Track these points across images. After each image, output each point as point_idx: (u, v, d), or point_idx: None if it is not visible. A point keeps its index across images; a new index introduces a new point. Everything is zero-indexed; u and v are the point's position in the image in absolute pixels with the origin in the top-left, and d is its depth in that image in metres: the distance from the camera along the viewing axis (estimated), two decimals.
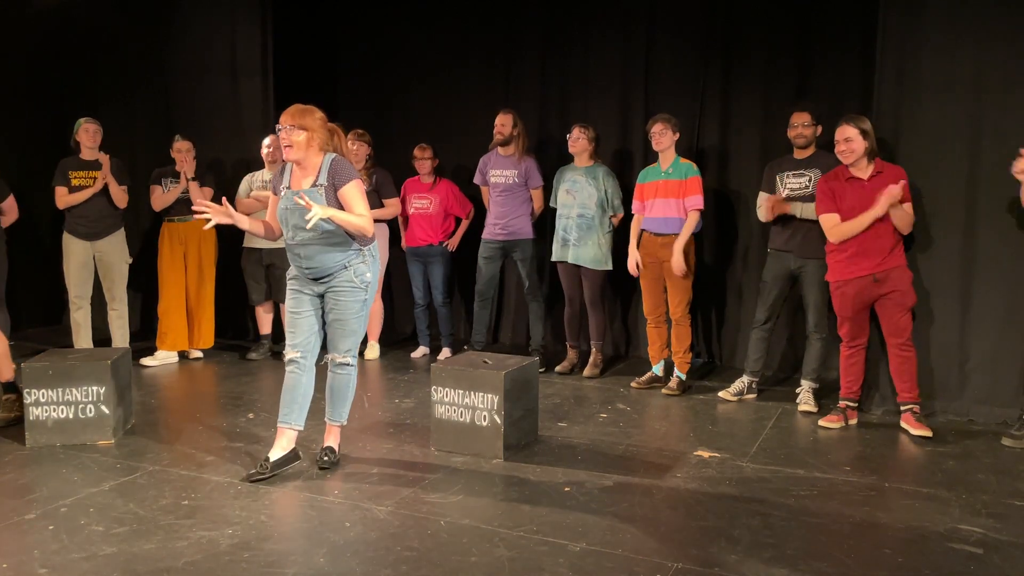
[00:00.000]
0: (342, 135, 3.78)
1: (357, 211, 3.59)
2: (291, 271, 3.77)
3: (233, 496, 3.48)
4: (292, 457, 3.79)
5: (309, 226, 3.45)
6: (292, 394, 3.74)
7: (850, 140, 4.34)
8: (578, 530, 3.15)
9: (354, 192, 3.61)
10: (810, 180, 4.79)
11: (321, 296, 3.72)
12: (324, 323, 3.79)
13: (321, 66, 6.92)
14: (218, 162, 6.45)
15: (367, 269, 3.69)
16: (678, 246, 5.04)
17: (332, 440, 3.88)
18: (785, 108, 5.07)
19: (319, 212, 3.42)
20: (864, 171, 4.39)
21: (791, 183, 4.85)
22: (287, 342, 3.76)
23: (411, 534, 3.11)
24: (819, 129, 4.83)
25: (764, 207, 4.91)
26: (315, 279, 3.68)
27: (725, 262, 5.84)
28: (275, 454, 3.73)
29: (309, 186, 3.63)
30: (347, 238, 3.62)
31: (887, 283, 4.35)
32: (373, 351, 6.19)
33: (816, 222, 4.61)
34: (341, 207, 3.61)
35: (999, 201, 4.41)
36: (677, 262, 5.03)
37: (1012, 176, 4.10)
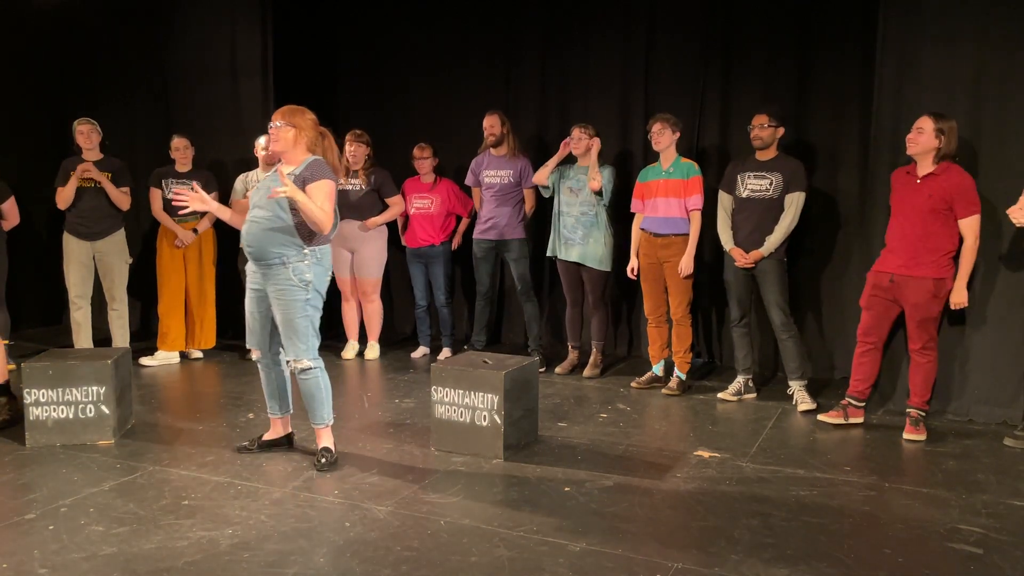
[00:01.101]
0: (332, 139, 3.89)
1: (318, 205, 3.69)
2: (249, 264, 3.86)
3: (233, 496, 3.49)
4: (285, 440, 4.10)
5: (276, 194, 3.54)
6: (268, 389, 4.04)
7: (921, 131, 4.23)
8: (578, 530, 3.15)
9: (322, 189, 3.68)
10: (771, 183, 4.77)
11: (268, 295, 3.79)
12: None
13: (321, 66, 6.92)
14: (218, 162, 6.44)
15: (307, 269, 3.72)
16: (690, 251, 5.05)
17: (325, 440, 3.91)
18: (785, 108, 5.06)
19: (288, 189, 3.52)
20: (923, 170, 4.28)
21: (752, 184, 4.84)
22: (247, 339, 3.99)
23: (411, 534, 3.11)
24: (780, 131, 4.83)
25: None
26: (255, 260, 3.76)
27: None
28: (267, 436, 4.09)
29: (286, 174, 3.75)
30: (292, 230, 3.67)
31: (905, 289, 4.29)
32: (373, 351, 6.19)
33: (767, 221, 4.75)
34: None
35: (998, 201, 4.40)
36: (687, 265, 5.05)
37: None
